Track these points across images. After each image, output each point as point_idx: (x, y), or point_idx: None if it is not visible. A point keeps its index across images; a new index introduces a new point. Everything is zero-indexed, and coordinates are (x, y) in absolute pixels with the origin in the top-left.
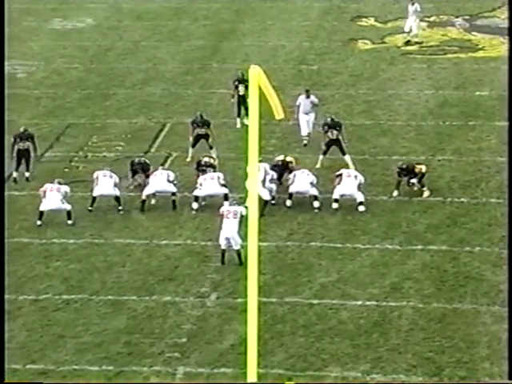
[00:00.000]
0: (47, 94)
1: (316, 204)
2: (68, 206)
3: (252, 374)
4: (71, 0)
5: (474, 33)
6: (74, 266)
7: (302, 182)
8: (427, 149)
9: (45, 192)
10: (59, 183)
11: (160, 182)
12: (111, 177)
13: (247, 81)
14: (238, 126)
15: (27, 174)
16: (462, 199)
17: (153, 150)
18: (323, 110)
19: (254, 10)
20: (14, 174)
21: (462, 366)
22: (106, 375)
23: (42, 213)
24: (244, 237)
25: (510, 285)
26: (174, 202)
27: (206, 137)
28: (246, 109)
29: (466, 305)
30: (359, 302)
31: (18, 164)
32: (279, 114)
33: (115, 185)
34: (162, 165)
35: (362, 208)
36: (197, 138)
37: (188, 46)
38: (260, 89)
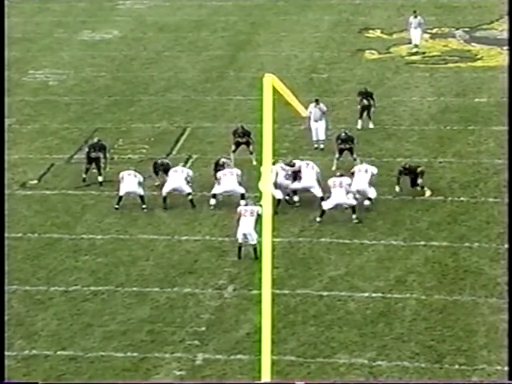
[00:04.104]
0: (77, 100)
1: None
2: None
3: (266, 360)
4: (99, 13)
5: (473, 44)
6: (101, 260)
7: (308, 177)
8: (429, 152)
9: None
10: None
11: (178, 179)
12: (135, 176)
13: (369, 93)
14: (359, 127)
15: (100, 179)
16: (462, 198)
17: (174, 152)
18: (333, 115)
19: (268, 23)
20: (83, 175)
21: (461, 353)
22: (131, 361)
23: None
24: (259, 233)
25: (510, 279)
26: (191, 201)
27: (246, 144)
28: (369, 115)
29: (465, 297)
30: (366, 294)
31: (87, 169)
32: (302, 112)
33: (139, 184)
34: (183, 166)
35: (367, 202)
36: (237, 145)
37: (207, 55)
38: (274, 95)
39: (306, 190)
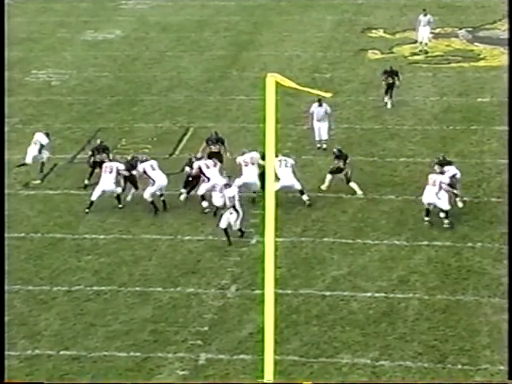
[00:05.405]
0: (79, 100)
1: (305, 197)
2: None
3: (269, 360)
4: (102, 13)
5: (476, 44)
6: (104, 260)
7: (285, 175)
8: (432, 151)
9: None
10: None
11: (162, 176)
12: (111, 172)
13: (394, 72)
14: (385, 101)
15: None
16: (465, 198)
17: (177, 152)
18: (336, 115)
19: (271, 23)
20: (86, 182)
21: (464, 353)
22: (134, 361)
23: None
24: (261, 233)
25: (510, 278)
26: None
27: (218, 155)
28: (391, 95)
29: (468, 297)
30: (368, 294)
31: (92, 173)
32: (326, 93)
33: (117, 181)
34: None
35: (442, 215)
36: (210, 156)
37: (210, 55)
38: (277, 95)
39: (287, 188)
